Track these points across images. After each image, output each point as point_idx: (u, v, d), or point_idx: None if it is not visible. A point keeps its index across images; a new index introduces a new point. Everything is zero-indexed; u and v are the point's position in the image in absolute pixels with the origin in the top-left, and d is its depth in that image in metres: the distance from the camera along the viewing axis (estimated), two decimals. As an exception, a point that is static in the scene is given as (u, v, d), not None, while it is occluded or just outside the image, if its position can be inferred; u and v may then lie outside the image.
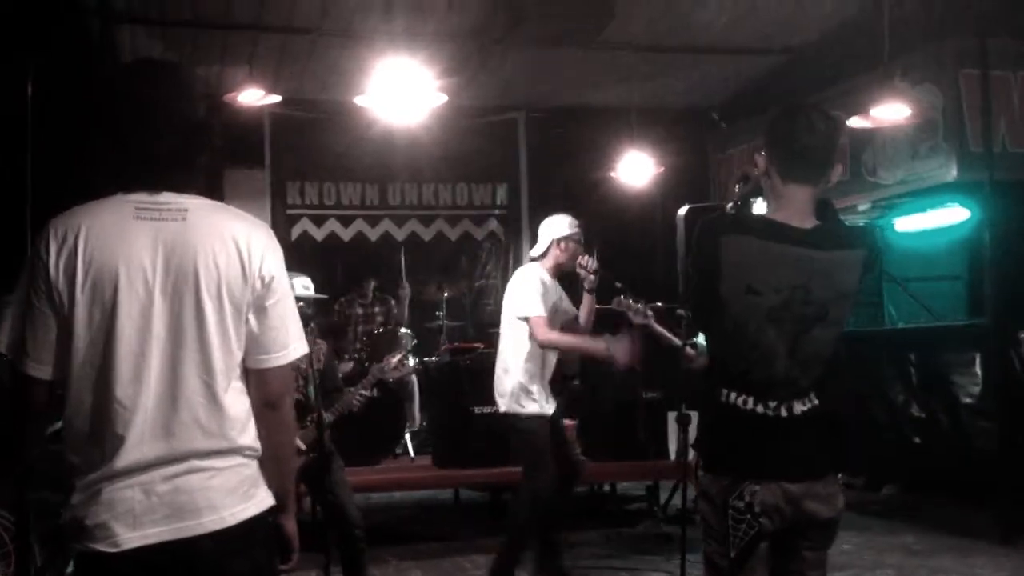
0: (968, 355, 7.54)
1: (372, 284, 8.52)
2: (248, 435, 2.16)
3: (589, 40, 7.65)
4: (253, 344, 2.18)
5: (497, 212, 9.76)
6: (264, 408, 2.21)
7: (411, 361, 6.86)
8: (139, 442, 2.03)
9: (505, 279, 9.27)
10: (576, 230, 5.52)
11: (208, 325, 2.10)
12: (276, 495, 2.22)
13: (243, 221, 2.21)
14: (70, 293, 2.05)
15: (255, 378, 2.20)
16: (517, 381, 5.21)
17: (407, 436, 7.63)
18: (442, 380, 7.49)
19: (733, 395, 2.67)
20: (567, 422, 7.90)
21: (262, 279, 2.17)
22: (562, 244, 5.46)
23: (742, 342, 2.66)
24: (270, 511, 2.19)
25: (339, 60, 7.67)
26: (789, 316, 2.63)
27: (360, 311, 8.50)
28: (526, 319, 5.23)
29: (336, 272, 9.37)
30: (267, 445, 2.21)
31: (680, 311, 6.10)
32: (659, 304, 6.89)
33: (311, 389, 4.74)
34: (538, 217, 9.66)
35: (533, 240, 9.67)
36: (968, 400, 7.55)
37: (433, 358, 8.33)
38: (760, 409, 2.65)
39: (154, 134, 2.13)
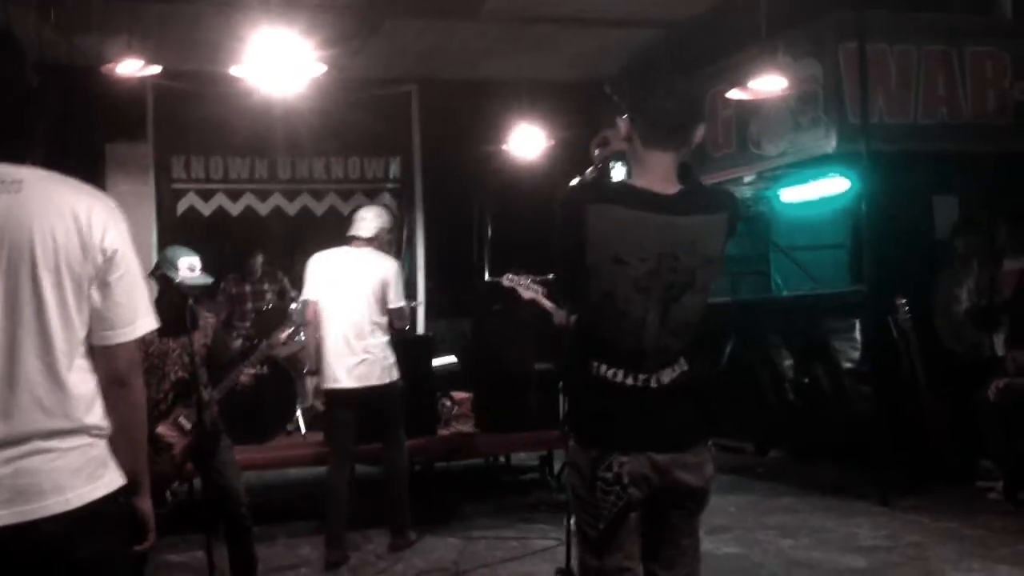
0: (849, 322, 7.78)
1: (260, 260, 8.39)
2: (95, 414, 2.10)
3: (473, 11, 7.60)
4: (97, 320, 2.12)
5: (390, 186, 9.68)
6: (111, 385, 2.15)
7: (301, 337, 6.76)
8: None
9: (400, 253, 9.25)
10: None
11: (46, 302, 2.03)
12: (129, 474, 2.17)
13: (83, 193, 2.13)
14: None
15: (101, 355, 2.14)
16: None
17: (299, 413, 7.54)
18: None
19: (603, 367, 2.62)
20: (459, 395, 7.98)
21: (103, 252, 2.10)
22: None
23: (610, 313, 2.61)
24: (120, 491, 2.13)
25: (220, 30, 7.48)
26: (658, 284, 2.58)
27: (248, 288, 8.36)
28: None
29: (224, 248, 9.19)
30: (117, 424, 2.15)
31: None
32: (550, 277, 6.99)
33: (196, 366, 4.64)
34: (432, 190, 9.71)
35: (427, 214, 9.72)
36: (849, 365, 7.80)
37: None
38: (630, 381, 2.61)
39: None
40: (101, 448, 2.11)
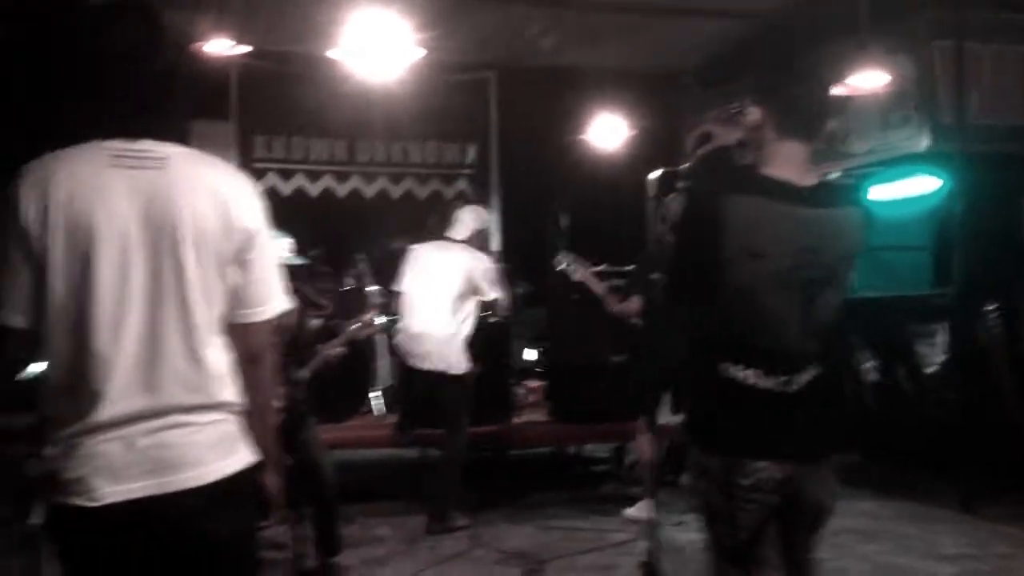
0: (933, 325, 7.61)
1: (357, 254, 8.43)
2: (230, 390, 2.12)
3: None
4: (235, 298, 2.13)
5: (467, 172, 9.67)
6: (246, 363, 2.17)
7: (382, 319, 6.85)
8: (120, 396, 1.98)
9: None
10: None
11: (188, 278, 2.04)
12: (258, 451, 2.18)
13: (224, 172, 2.15)
14: (45, 242, 1.98)
15: (236, 333, 2.15)
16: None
17: (375, 394, 7.59)
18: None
19: (737, 369, 2.49)
20: (532, 384, 8.01)
21: (243, 231, 2.11)
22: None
23: (747, 311, 2.48)
24: (252, 467, 2.15)
25: (312, 11, 7.50)
26: (797, 281, 2.46)
27: (328, 268, 8.40)
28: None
29: (304, 227, 9.23)
30: (248, 401, 2.17)
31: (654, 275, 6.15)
32: (604, 266, 6.98)
33: (296, 344, 4.72)
34: (508, 178, 9.68)
35: (502, 200, 9.70)
36: (931, 369, 7.64)
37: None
38: (765, 383, 2.48)
39: (135, 79, 2.06)
40: (235, 424, 2.13)
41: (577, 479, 7.73)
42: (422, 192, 9.50)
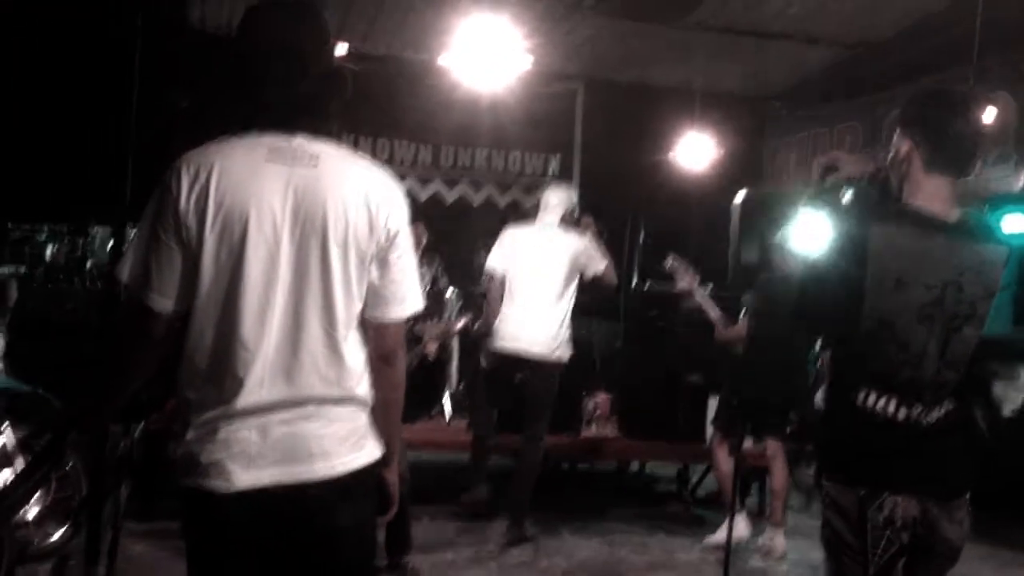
0: (1015, 367, 7.47)
1: (421, 227, 8.46)
2: (363, 386, 2.16)
3: (675, 18, 7.55)
4: (373, 296, 2.18)
5: (548, 182, 9.70)
6: (379, 361, 2.21)
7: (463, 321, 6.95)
8: (259, 385, 2.03)
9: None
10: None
11: (333, 273, 2.09)
12: (383, 447, 2.22)
13: (372, 172, 2.19)
14: (199, 230, 2.04)
15: (373, 331, 2.20)
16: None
17: (446, 397, 7.63)
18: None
19: (872, 398, 2.46)
20: (601, 396, 7.99)
21: (388, 231, 2.16)
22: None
23: (888, 341, 2.45)
24: (377, 463, 2.19)
25: (409, 15, 7.61)
26: (940, 314, 2.45)
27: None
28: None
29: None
30: (378, 397, 2.21)
31: (745, 297, 6.15)
32: (711, 285, 6.97)
33: None
34: (590, 190, 9.70)
35: (583, 213, 9.71)
36: (1011, 414, 7.49)
37: (476, 324, 8.32)
38: (903, 414, 2.45)
39: (295, 76, 2.12)
40: (365, 419, 2.18)
41: (641, 496, 7.70)
42: (502, 200, 9.55)
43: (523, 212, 9.86)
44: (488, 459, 6.07)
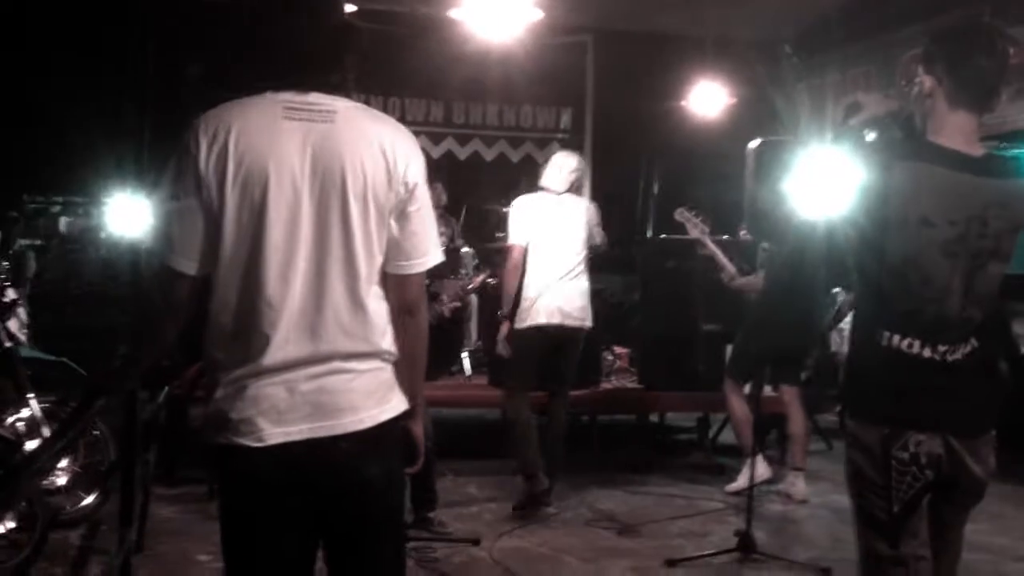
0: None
1: (440, 189, 8.47)
2: (387, 339, 2.18)
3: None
4: (394, 250, 2.19)
5: (560, 136, 9.64)
6: (402, 314, 2.23)
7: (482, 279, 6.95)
8: (285, 341, 2.05)
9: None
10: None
11: (353, 229, 2.10)
12: (408, 400, 2.24)
13: (390, 126, 2.20)
14: (220, 190, 2.05)
15: (394, 284, 2.21)
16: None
17: (464, 354, 7.67)
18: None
19: (896, 338, 2.46)
20: (619, 349, 8.02)
21: (406, 184, 2.16)
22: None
23: (912, 279, 2.44)
24: (403, 415, 2.21)
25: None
26: (964, 250, 2.43)
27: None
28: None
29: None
30: (402, 350, 2.22)
31: (764, 245, 6.14)
32: (725, 237, 6.97)
33: None
34: (602, 143, 9.66)
35: (596, 166, 9.69)
36: (1031, 351, 7.49)
37: (492, 280, 8.34)
38: (927, 353, 2.45)
39: (308, 32, 2.12)
40: (390, 373, 2.19)
41: (662, 447, 7.75)
42: (515, 156, 9.50)
43: (536, 168, 9.84)
44: (536, 442, 5.77)
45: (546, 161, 9.45)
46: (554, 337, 5.73)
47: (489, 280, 6.50)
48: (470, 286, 5.88)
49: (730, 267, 6.34)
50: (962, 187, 2.45)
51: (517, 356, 5.79)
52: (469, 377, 7.57)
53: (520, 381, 5.81)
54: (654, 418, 8.17)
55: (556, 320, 5.68)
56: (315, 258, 2.08)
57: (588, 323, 5.83)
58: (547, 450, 5.85)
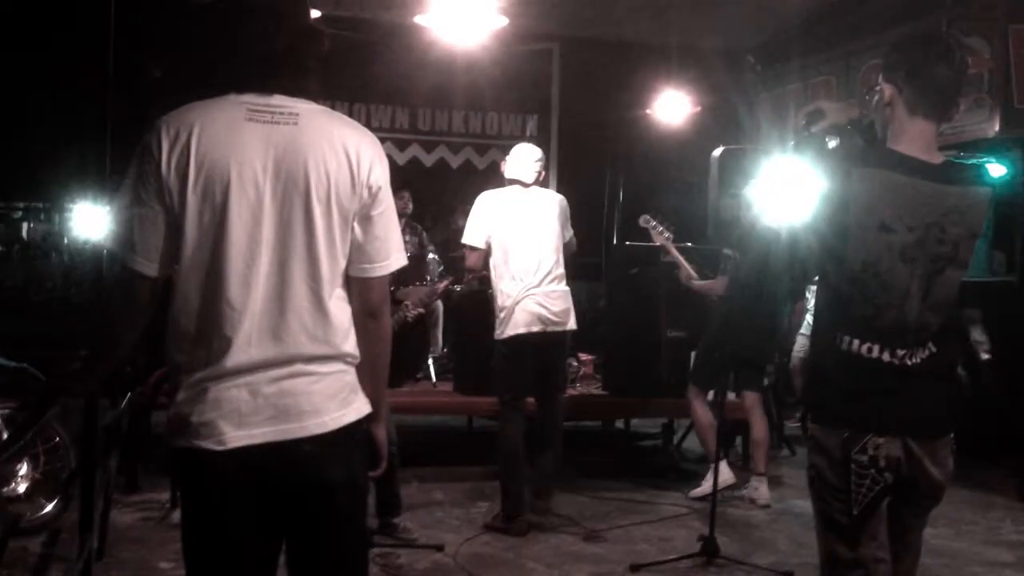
0: (992, 312, 7.56)
1: (407, 197, 8.46)
2: (350, 342, 2.18)
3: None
4: (357, 253, 2.19)
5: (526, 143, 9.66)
6: (365, 317, 2.23)
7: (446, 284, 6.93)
8: (247, 344, 2.05)
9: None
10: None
11: (316, 231, 2.10)
12: (371, 403, 2.24)
13: (353, 128, 2.20)
14: (181, 191, 2.04)
15: (357, 287, 2.21)
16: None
17: (430, 361, 7.66)
18: (468, 308, 7.48)
19: (856, 342, 2.49)
20: (585, 356, 8.03)
21: (369, 188, 2.17)
22: None
23: (871, 284, 2.48)
24: (366, 418, 2.21)
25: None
26: (923, 256, 2.47)
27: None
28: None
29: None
30: (364, 354, 2.22)
31: (726, 251, 6.19)
32: (689, 244, 7.02)
33: None
34: (567, 151, 9.69)
35: (561, 173, 9.72)
36: (987, 357, 7.60)
37: (457, 287, 8.34)
38: (886, 357, 2.48)
39: (272, 34, 2.11)
40: (353, 375, 2.19)
41: (627, 453, 7.78)
42: (481, 163, 9.51)
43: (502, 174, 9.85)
44: (523, 461, 5.44)
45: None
46: (538, 345, 5.39)
47: (453, 287, 6.46)
48: (435, 292, 5.81)
49: (691, 271, 6.36)
50: (921, 194, 2.48)
51: (503, 367, 5.48)
52: (435, 384, 7.56)
53: (511, 393, 5.47)
54: (620, 424, 8.22)
55: (537, 328, 5.35)
56: (277, 260, 2.08)
57: (572, 324, 5.49)
58: (540, 461, 5.57)
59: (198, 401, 2.04)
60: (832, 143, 2.86)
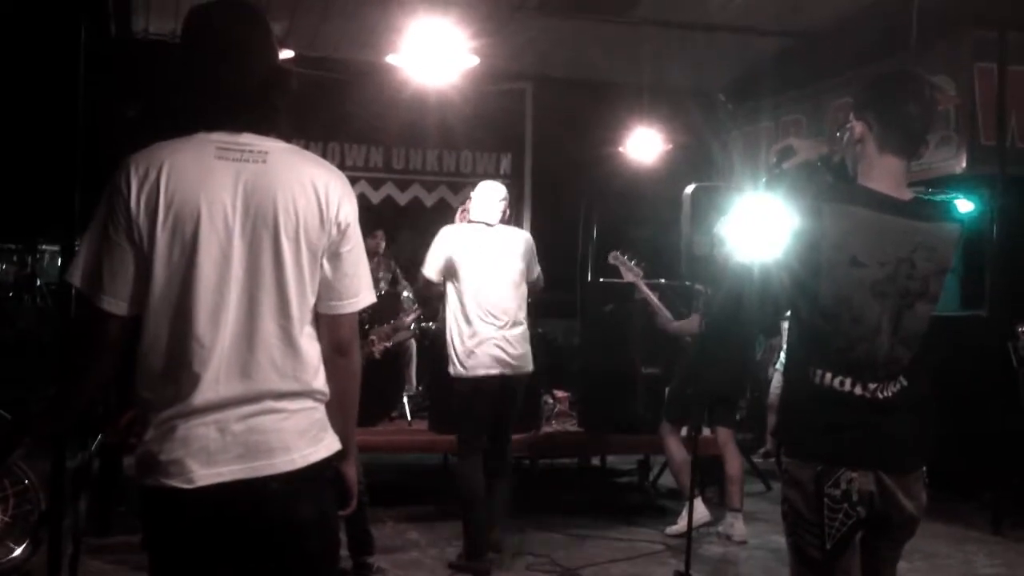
0: (963, 347, 7.61)
1: (380, 236, 8.48)
2: (319, 379, 2.17)
3: (622, 10, 7.59)
4: (326, 290, 2.19)
5: (500, 181, 9.70)
6: (333, 354, 2.23)
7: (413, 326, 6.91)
8: (215, 381, 2.04)
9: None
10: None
11: (286, 268, 2.10)
12: (340, 440, 2.23)
13: (321, 167, 2.21)
14: (150, 229, 2.04)
15: (327, 324, 2.21)
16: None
17: (404, 399, 7.64)
18: (442, 346, 7.46)
19: (828, 375, 2.51)
20: (560, 393, 8.02)
21: (338, 225, 2.17)
22: None
23: (843, 318, 2.50)
24: (336, 456, 2.20)
25: (356, 17, 7.59)
26: (893, 290, 2.49)
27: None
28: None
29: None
30: (334, 391, 2.21)
31: (698, 287, 6.23)
32: (662, 280, 7.06)
33: None
34: (542, 189, 9.75)
35: (536, 211, 9.78)
36: (960, 392, 7.64)
37: (431, 324, 8.33)
38: (858, 390, 2.50)
39: (241, 73, 2.13)
40: (322, 412, 2.19)
41: (603, 490, 7.76)
42: (455, 201, 9.51)
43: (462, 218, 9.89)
44: (483, 504, 5.35)
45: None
46: (499, 386, 5.32)
47: (427, 324, 6.43)
48: (401, 325, 5.73)
49: (664, 312, 6.39)
50: (891, 230, 2.51)
51: (460, 409, 5.42)
52: (410, 423, 7.53)
53: (469, 434, 5.39)
54: (596, 461, 8.20)
55: (496, 371, 5.26)
56: (246, 297, 2.08)
57: (529, 367, 5.44)
58: (492, 495, 5.48)
59: (166, 439, 2.03)
60: (802, 179, 2.88)
